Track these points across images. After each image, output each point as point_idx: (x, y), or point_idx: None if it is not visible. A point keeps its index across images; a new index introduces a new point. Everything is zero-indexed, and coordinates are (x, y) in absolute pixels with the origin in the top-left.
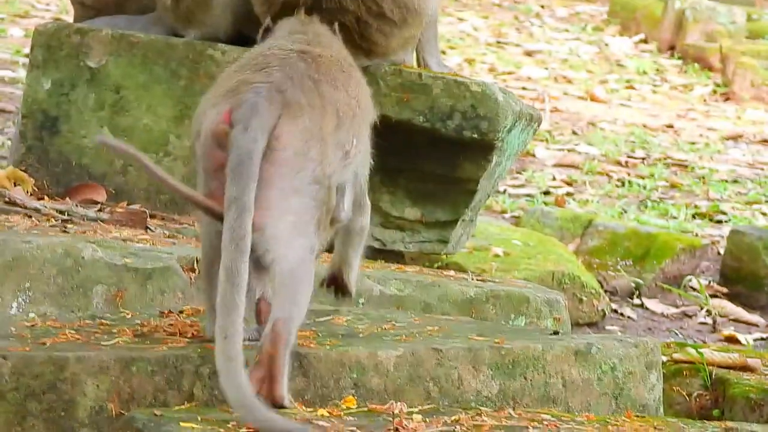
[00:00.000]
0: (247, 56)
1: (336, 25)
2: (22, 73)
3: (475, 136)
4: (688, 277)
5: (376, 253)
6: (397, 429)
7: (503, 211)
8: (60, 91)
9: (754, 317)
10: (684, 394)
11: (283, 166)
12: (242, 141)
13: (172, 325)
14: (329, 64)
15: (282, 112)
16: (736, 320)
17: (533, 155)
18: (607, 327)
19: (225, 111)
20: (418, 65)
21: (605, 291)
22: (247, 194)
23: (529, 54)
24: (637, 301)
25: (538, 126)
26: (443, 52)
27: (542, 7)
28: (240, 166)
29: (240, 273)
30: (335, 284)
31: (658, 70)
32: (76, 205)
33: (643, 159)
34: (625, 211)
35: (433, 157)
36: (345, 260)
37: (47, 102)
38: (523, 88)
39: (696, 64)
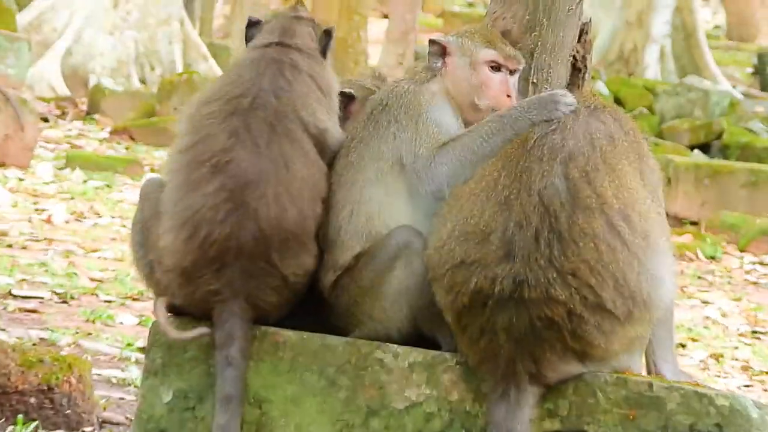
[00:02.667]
0: None
1: None
2: (134, 373)
3: None
4: None
5: None
6: None
7: None
8: (184, 405)
9: None
10: None
11: None
12: None
13: None
14: None
15: None
16: None
17: None
18: None
19: None
20: (648, 372)
21: None
22: None
23: None
24: None
25: None
26: (682, 345)
27: None
28: None
29: None
30: None
31: None
32: None
33: None
34: None
35: None
36: None
37: (166, 419)
38: None
39: None
